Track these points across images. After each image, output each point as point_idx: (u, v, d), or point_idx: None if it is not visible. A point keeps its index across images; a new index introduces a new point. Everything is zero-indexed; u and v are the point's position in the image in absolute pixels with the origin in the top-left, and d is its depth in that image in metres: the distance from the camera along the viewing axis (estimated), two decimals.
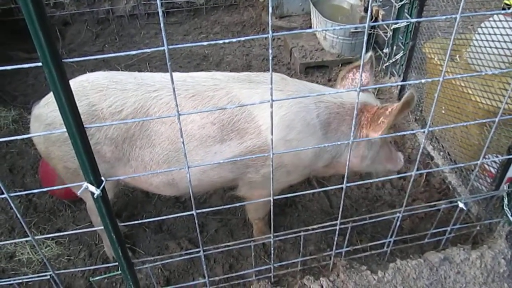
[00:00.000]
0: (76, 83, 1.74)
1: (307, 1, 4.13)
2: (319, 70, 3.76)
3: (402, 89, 3.19)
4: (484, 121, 1.59)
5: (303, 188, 2.62)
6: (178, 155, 1.75)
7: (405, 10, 3.02)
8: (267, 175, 1.82)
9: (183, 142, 1.19)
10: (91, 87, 1.73)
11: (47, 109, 1.76)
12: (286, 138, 1.76)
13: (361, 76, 1.17)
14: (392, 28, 3.18)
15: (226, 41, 1.08)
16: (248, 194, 2.03)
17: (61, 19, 4.62)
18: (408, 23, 2.92)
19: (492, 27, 2.19)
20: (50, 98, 1.78)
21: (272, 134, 1.27)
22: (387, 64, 3.35)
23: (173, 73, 1.82)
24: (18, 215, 1.28)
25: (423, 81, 1.27)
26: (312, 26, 4.15)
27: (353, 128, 1.32)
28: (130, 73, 1.87)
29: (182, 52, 4.21)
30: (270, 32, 1.03)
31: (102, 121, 1.68)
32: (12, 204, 1.22)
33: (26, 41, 0.85)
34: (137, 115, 1.70)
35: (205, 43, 1.08)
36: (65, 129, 1.12)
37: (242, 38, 1.08)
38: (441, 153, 2.73)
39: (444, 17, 1.16)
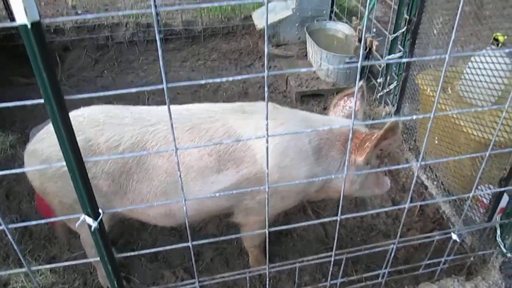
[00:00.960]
0: (72, 118, 1.76)
1: (303, 30, 4.22)
2: (315, 98, 3.82)
3: None
4: (475, 155, 1.62)
5: (298, 217, 2.64)
6: (176, 186, 1.77)
7: (398, 42, 3.10)
8: (263, 201, 1.85)
9: (180, 176, 1.22)
10: (87, 122, 1.74)
11: (42, 144, 1.76)
12: (280, 165, 1.81)
13: (354, 107, 1.21)
14: (385, 59, 3.25)
15: (224, 79, 1.11)
16: (244, 221, 2.06)
17: (61, 45, 4.69)
18: (401, 56, 3.00)
19: (482, 62, 2.26)
20: (44, 134, 1.79)
21: (267, 168, 1.30)
22: (381, 93, 3.41)
23: (174, 107, 1.87)
24: (15, 246, 1.28)
25: (414, 117, 1.31)
26: (307, 54, 4.23)
27: (347, 163, 1.34)
28: (126, 107, 1.89)
29: (180, 79, 4.27)
30: (266, 71, 1.08)
31: (99, 156, 1.69)
32: (9, 236, 1.23)
33: (26, 66, 0.88)
34: (134, 149, 1.71)
35: (202, 82, 1.12)
36: (64, 163, 1.14)
37: (239, 77, 1.12)
38: (435, 183, 2.76)
39: (433, 57, 1.21)
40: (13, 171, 1.12)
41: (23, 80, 4.17)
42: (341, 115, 2.08)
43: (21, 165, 3.06)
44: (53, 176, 1.76)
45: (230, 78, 1.12)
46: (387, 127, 1.69)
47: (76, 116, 1.77)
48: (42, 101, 1.05)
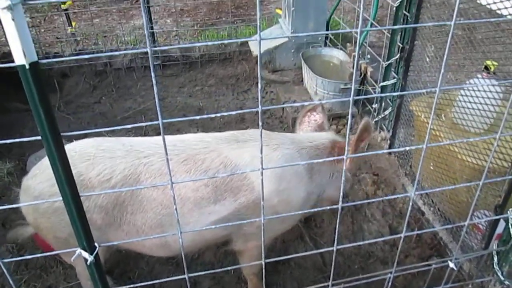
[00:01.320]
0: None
1: (299, 56, 4.29)
2: None
3: (391, 144, 3.27)
4: (469, 184, 1.64)
5: (295, 244, 2.63)
6: (171, 219, 1.76)
7: (392, 69, 3.15)
8: (268, 228, 1.87)
9: (176, 209, 1.22)
10: (78, 157, 1.73)
11: (34, 181, 1.76)
12: (279, 188, 1.84)
13: (347, 144, 1.22)
14: (380, 85, 3.30)
15: (218, 115, 1.14)
16: (243, 247, 2.05)
17: (60, 71, 4.74)
18: (395, 82, 3.04)
19: (474, 90, 2.29)
20: (37, 170, 1.79)
21: (263, 200, 1.31)
22: (376, 119, 3.44)
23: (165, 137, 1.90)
24: (10, 279, 1.28)
25: (407, 148, 1.32)
26: (303, 80, 4.29)
27: (343, 181, 1.35)
28: (118, 139, 1.89)
29: (177, 104, 4.31)
30: (260, 106, 1.10)
31: (91, 190, 1.68)
32: (4, 270, 1.23)
33: (24, 92, 0.89)
34: (127, 182, 1.70)
35: (197, 117, 1.14)
36: (60, 198, 1.15)
37: (234, 112, 1.14)
38: (431, 209, 2.76)
39: (424, 90, 1.23)
40: (6, 207, 1.13)
41: (21, 106, 4.20)
42: (309, 130, 2.18)
43: (18, 192, 3.08)
44: (46, 212, 1.75)
45: (225, 113, 1.14)
46: (361, 128, 1.79)
47: (68, 150, 1.77)
48: (39, 138, 1.07)
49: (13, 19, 0.85)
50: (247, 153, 1.83)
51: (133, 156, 1.75)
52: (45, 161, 1.76)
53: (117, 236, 1.81)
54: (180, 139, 1.87)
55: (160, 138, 1.71)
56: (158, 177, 1.72)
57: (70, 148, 1.78)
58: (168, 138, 1.89)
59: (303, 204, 1.94)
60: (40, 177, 1.74)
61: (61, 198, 1.15)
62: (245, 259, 2.15)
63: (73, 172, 1.68)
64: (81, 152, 1.75)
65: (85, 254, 1.25)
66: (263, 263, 1.50)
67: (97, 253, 1.26)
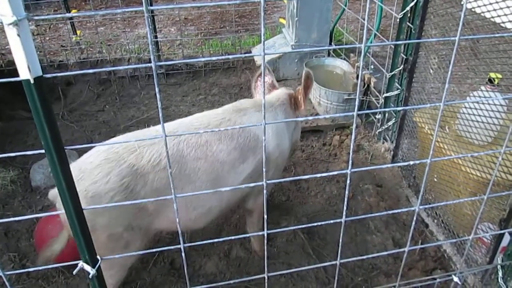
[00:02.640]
0: (93, 156, 1.84)
1: (302, 66, 4.29)
2: (314, 134, 3.84)
3: (394, 155, 3.26)
4: (473, 199, 1.63)
5: (298, 255, 2.61)
6: (215, 183, 2.00)
7: (396, 80, 3.15)
8: (271, 177, 2.31)
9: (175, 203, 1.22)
10: (124, 150, 1.84)
11: (84, 183, 1.77)
12: (278, 143, 2.26)
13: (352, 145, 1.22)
14: (383, 96, 3.29)
15: (222, 129, 1.14)
16: (254, 206, 2.42)
17: (64, 79, 4.77)
18: (399, 93, 3.04)
19: (477, 102, 2.29)
20: (80, 173, 1.79)
21: (264, 166, 1.30)
22: (380, 130, 3.44)
23: (183, 120, 2.10)
24: None
25: (411, 163, 1.32)
26: None
27: (346, 193, 1.35)
28: (147, 129, 2.09)
29: (181, 113, 4.31)
30: (264, 121, 1.10)
31: (146, 176, 1.82)
32: (5, 280, 1.23)
33: (28, 100, 0.90)
34: (175, 159, 1.90)
35: (201, 132, 1.14)
36: (63, 211, 1.15)
37: (237, 127, 1.14)
38: (435, 221, 2.74)
39: (428, 105, 1.23)
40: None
41: (25, 114, 4.22)
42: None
43: (21, 201, 3.09)
44: (105, 209, 1.77)
45: (229, 128, 1.14)
46: (304, 78, 2.28)
47: (111, 147, 1.86)
48: (42, 151, 1.07)
49: (18, 35, 0.85)
50: (253, 117, 2.22)
51: (171, 138, 1.92)
52: (81, 163, 1.83)
53: (168, 216, 1.95)
54: (199, 116, 2.15)
55: (183, 120, 2.11)
56: (198, 148, 1.96)
57: (113, 146, 1.87)
58: (188, 118, 2.13)
59: (290, 149, 2.46)
60: (89, 178, 1.77)
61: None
62: (254, 216, 2.50)
63: (125, 164, 1.82)
64: (125, 146, 1.86)
65: (88, 268, 1.24)
66: (265, 234, 1.50)
67: (99, 266, 1.26)
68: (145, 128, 3.98)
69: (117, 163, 1.78)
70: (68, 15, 0.96)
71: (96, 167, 1.79)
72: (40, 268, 1.36)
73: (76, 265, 1.24)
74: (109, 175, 1.77)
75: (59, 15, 0.92)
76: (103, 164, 1.79)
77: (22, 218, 1.19)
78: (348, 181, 1.30)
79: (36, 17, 0.91)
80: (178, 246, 1.32)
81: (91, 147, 1.94)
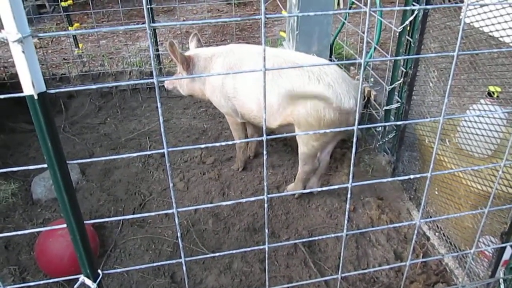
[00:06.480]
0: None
1: None
2: None
3: (395, 167, 3.26)
4: (474, 212, 1.63)
5: (299, 269, 2.60)
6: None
7: (396, 93, 3.16)
8: None
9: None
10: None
11: None
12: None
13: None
14: (384, 109, 3.31)
15: (223, 143, 1.14)
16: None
17: (66, 92, 4.79)
18: (399, 106, 3.05)
19: (477, 115, 2.30)
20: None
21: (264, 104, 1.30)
22: (380, 142, 3.44)
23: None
24: None
25: (411, 177, 1.32)
26: None
27: (348, 201, 1.35)
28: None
29: (182, 126, 4.33)
30: (265, 136, 1.11)
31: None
32: None
33: (29, 113, 0.91)
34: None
35: (202, 146, 1.14)
36: (65, 225, 1.16)
37: (238, 141, 1.15)
38: (437, 234, 2.74)
39: (428, 119, 1.24)
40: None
41: (27, 127, 4.24)
42: (193, 47, 3.56)
43: (21, 214, 3.08)
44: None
45: (230, 142, 1.15)
46: (167, 46, 3.04)
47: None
48: (45, 165, 1.08)
49: (23, 51, 0.87)
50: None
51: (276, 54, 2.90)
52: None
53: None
54: (275, 55, 2.86)
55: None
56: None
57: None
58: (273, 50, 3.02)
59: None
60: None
61: None
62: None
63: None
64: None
65: (89, 282, 1.24)
66: (266, 247, 1.49)
67: (100, 280, 1.26)
68: (147, 140, 4.00)
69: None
70: (71, 32, 0.97)
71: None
72: (40, 282, 1.36)
73: (77, 279, 1.24)
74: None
75: (63, 33, 0.94)
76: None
77: (23, 232, 1.20)
78: (349, 195, 1.31)
79: (40, 35, 0.93)
80: (179, 260, 1.32)
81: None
